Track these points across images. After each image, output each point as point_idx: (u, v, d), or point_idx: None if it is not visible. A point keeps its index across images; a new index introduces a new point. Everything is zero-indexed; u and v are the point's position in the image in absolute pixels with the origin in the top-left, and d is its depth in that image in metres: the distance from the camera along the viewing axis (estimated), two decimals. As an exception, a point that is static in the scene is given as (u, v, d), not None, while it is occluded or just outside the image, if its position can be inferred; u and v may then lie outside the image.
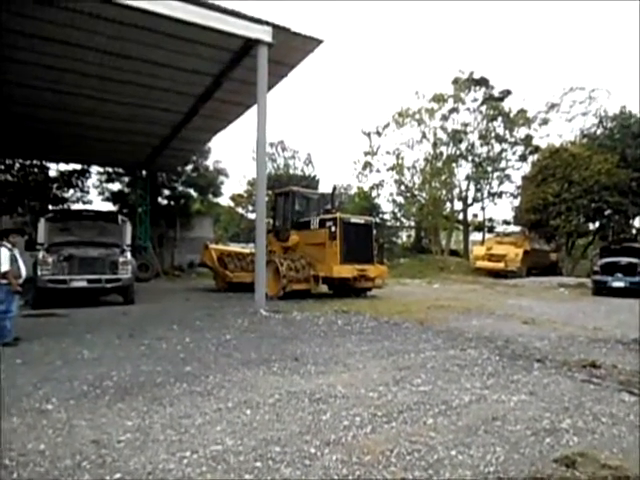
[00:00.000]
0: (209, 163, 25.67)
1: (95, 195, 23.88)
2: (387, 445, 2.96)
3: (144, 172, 21.62)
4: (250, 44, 9.93)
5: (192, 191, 25.25)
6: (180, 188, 24.66)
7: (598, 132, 25.52)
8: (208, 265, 15.30)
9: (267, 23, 9.62)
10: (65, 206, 21.24)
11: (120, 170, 23.33)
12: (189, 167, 24.34)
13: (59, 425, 3.26)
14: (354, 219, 12.59)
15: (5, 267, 6.12)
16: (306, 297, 11.58)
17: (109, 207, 23.14)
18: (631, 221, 23.34)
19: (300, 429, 3.22)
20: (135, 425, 3.27)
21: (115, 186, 24.30)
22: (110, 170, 23.44)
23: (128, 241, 11.18)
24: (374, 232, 12.82)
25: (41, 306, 9.40)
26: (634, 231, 23.63)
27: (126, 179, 23.88)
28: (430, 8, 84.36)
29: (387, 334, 6.89)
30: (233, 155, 64.96)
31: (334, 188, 13.91)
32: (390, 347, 5.95)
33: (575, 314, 9.59)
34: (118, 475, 2.55)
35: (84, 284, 9.72)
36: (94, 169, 23.14)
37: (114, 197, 23.98)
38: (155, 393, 4.00)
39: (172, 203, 24.48)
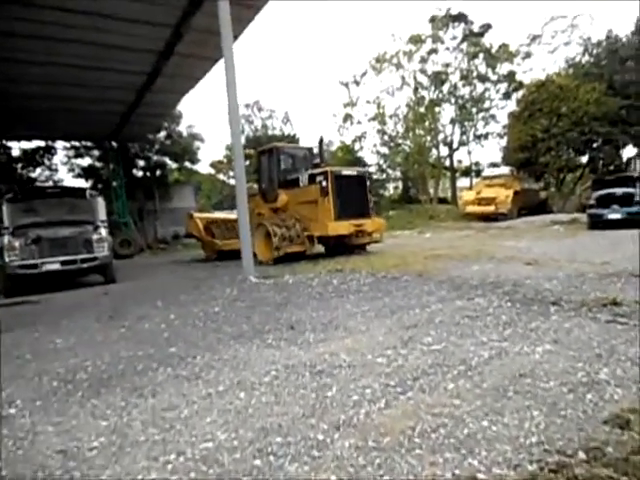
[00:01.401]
0: (182, 129, 24.51)
1: (65, 172, 22.76)
2: (406, 422, 2.52)
3: (114, 144, 20.44)
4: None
5: (167, 160, 24.14)
6: (154, 157, 23.53)
7: (583, 61, 24.62)
8: (195, 235, 14.70)
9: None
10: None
11: (88, 144, 22.06)
12: (161, 134, 23.15)
13: (21, 434, 2.77)
14: (346, 171, 11.72)
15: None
16: (300, 259, 11.07)
17: (82, 184, 22.07)
18: (620, 151, 22.92)
19: (303, 411, 2.77)
20: (111, 426, 2.79)
21: (85, 161, 23.10)
22: (77, 144, 22.16)
23: (102, 217, 10.44)
24: (368, 184, 12.06)
25: (14, 294, 8.81)
26: (624, 160, 23.23)
27: (96, 153, 22.64)
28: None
29: (387, 290, 6.45)
30: (207, 121, 62.53)
31: (321, 140, 12.74)
32: (392, 304, 5.51)
33: (577, 250, 9.26)
34: (86, 495, 2.08)
35: (57, 266, 9.07)
36: (60, 144, 21.87)
37: (86, 173, 22.85)
38: (135, 382, 3.51)
39: (148, 174, 23.42)
